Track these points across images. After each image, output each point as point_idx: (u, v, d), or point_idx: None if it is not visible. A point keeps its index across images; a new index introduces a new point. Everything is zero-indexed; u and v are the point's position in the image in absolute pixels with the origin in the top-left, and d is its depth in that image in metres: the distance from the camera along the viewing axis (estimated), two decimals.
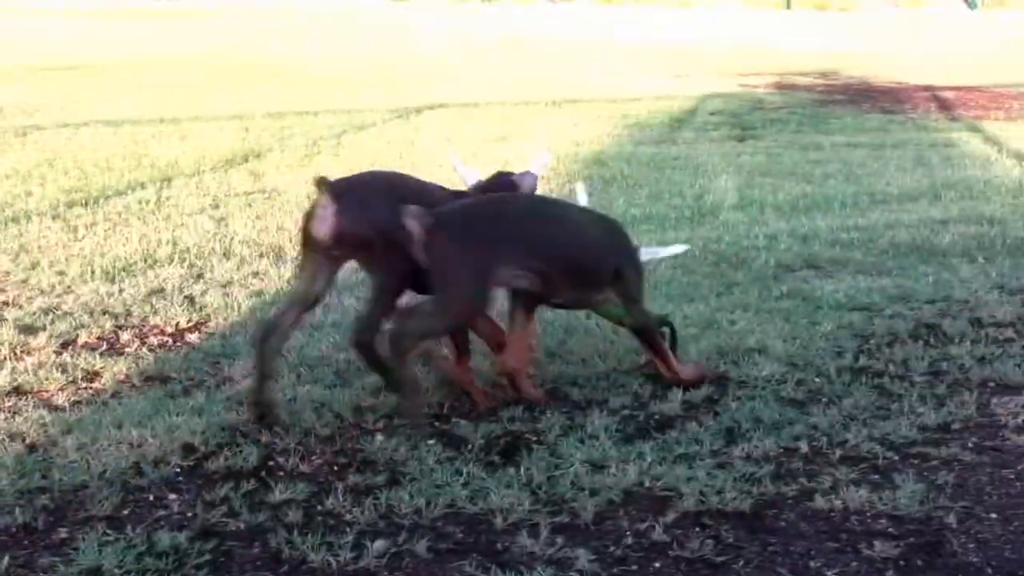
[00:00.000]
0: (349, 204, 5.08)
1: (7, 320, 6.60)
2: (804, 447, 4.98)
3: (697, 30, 38.48)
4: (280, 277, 7.54)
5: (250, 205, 9.98)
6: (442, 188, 5.72)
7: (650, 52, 28.77)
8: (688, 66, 24.91)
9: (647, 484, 4.61)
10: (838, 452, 4.94)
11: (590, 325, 6.48)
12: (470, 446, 4.96)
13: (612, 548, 4.15)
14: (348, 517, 4.33)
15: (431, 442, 4.99)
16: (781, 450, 4.96)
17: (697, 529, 4.29)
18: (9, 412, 5.28)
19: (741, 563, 4.07)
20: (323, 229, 5.07)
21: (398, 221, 4.93)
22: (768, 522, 4.36)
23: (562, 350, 6.13)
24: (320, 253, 5.17)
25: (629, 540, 4.20)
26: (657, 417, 5.31)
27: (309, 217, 5.15)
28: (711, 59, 26.95)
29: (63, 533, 4.21)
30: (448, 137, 7.00)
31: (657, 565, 4.06)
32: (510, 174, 5.97)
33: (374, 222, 5.07)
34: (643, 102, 18.20)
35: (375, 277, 5.33)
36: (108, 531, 4.19)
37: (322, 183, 5.08)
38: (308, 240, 5.16)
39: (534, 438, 5.05)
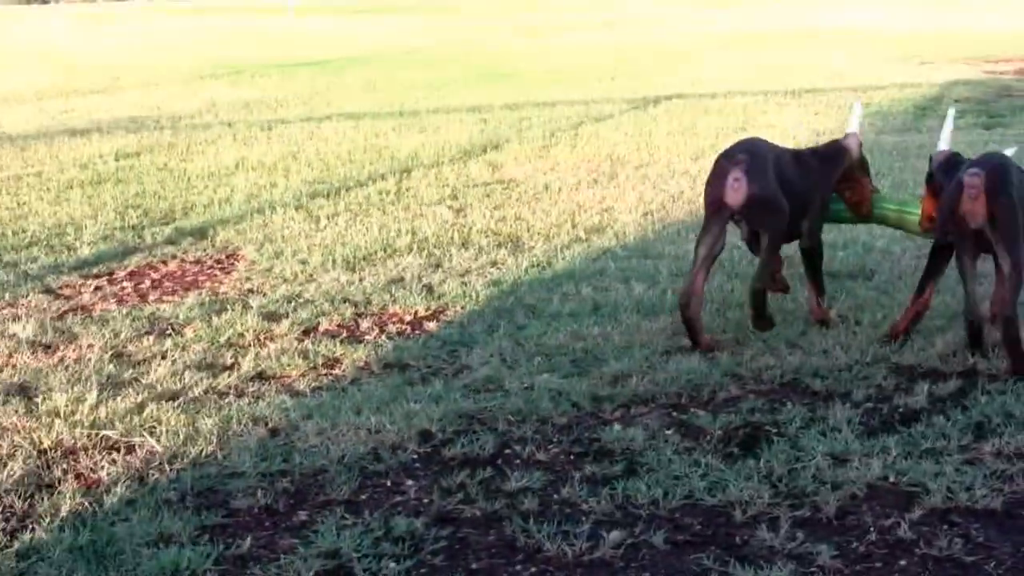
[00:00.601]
0: (756, 173, 5.81)
1: (252, 307, 6.75)
2: None
3: (939, 16, 37.37)
4: (518, 266, 7.55)
5: (488, 195, 10.03)
6: (793, 151, 6.51)
7: (890, 39, 28.06)
8: (931, 53, 24.20)
9: (892, 479, 4.46)
10: None
11: (831, 315, 6.31)
12: (709, 437, 4.86)
13: (855, 544, 4.01)
14: (584, 507, 4.28)
15: (669, 432, 4.91)
16: None
17: (945, 527, 4.11)
18: (253, 397, 5.38)
19: (993, 564, 3.89)
20: (738, 196, 5.78)
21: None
22: (1021, 522, 4.16)
23: (803, 341, 5.97)
24: (726, 218, 5.91)
25: (873, 536, 4.05)
26: (901, 410, 5.13)
27: (720, 186, 5.81)
28: (955, 45, 26.14)
29: (303, 516, 4.26)
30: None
31: (903, 563, 3.90)
32: (837, 141, 6.49)
33: (774, 187, 5.87)
34: (886, 90, 17.72)
35: (769, 234, 5.95)
36: (346, 515, 4.23)
37: (733, 157, 5.85)
38: (719, 206, 5.85)
39: (774, 430, 4.92)
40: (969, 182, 5.43)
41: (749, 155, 5.92)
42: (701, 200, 6.25)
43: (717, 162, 6.02)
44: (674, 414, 5.14)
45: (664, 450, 4.72)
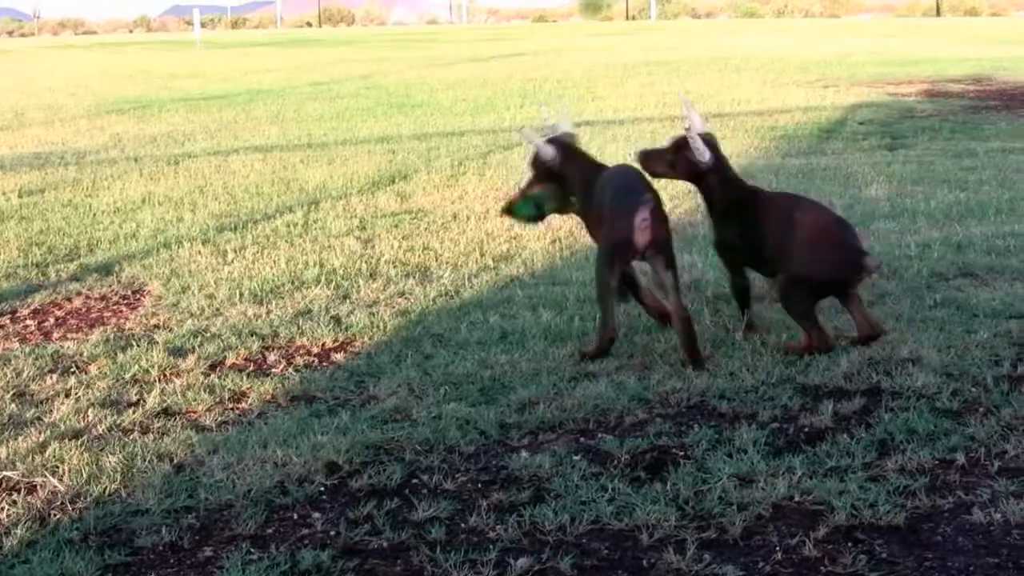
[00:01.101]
0: (658, 213, 6.06)
1: (158, 343, 6.69)
2: (961, 459, 4.82)
3: (843, 41, 37.92)
4: (425, 295, 7.54)
5: (396, 226, 10.02)
6: None
7: (793, 65, 28.44)
8: (834, 77, 24.56)
9: (797, 498, 4.50)
10: (996, 464, 4.78)
11: (735, 337, 6.37)
12: (616, 461, 4.88)
13: (761, 564, 4.04)
14: (491, 534, 4.28)
15: (576, 458, 4.93)
16: (936, 462, 4.81)
17: (850, 544, 4.16)
18: (158, 433, 5.33)
19: None
20: (644, 238, 5.95)
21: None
22: (924, 536, 4.22)
23: (709, 363, 6.02)
24: (633, 259, 6.10)
25: (779, 556, 4.09)
26: (807, 430, 5.18)
27: (629, 229, 5.96)
28: (858, 69, 26.54)
29: (208, 552, 4.22)
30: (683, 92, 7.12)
31: None
32: None
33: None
34: (790, 114, 17.96)
35: (668, 273, 6.02)
36: (252, 550, 4.20)
37: (648, 195, 6.07)
38: (628, 249, 6.02)
39: (681, 453, 4.96)
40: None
41: (651, 193, 6.13)
42: None
43: (620, 199, 6.15)
44: (582, 439, 5.16)
45: (571, 476, 4.73)
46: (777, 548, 4.14)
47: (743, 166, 12.57)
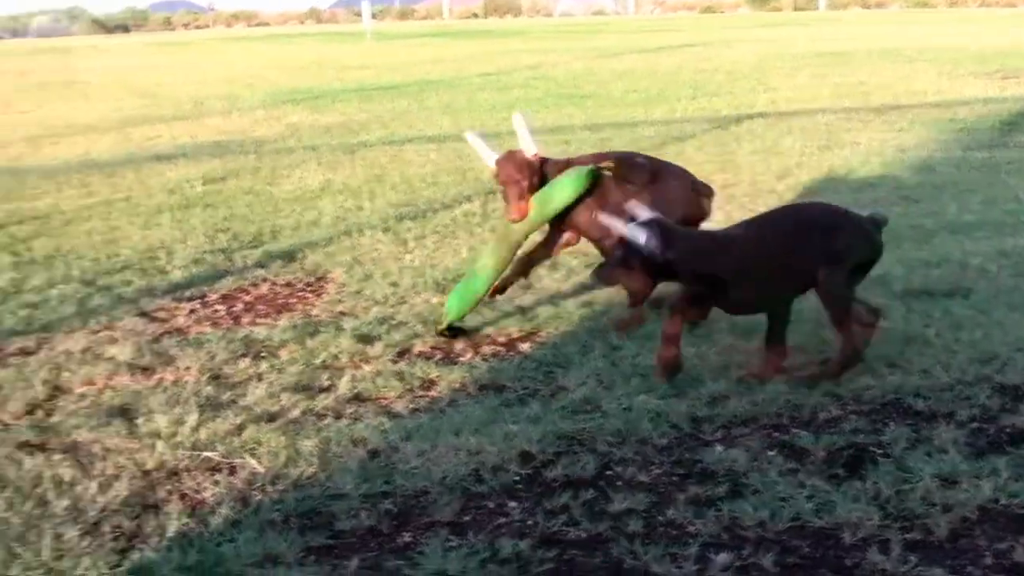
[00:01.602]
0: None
1: (345, 329, 6.77)
2: None
3: (1015, 32, 36.96)
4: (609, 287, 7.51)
5: None
6: None
7: (970, 55, 27.78)
8: (1015, 68, 23.93)
9: (1003, 501, 4.38)
10: None
11: (929, 335, 6.23)
12: (812, 458, 4.80)
13: (971, 568, 3.94)
14: (690, 528, 4.24)
15: (771, 453, 4.86)
16: None
17: None
18: (351, 418, 5.39)
19: None
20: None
21: None
22: None
23: (902, 361, 5.89)
24: None
25: (988, 560, 3.98)
26: (1009, 431, 5.04)
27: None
28: None
29: (407, 537, 4.25)
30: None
31: None
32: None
33: None
34: (970, 106, 17.52)
35: None
36: (451, 536, 4.22)
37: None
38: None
39: (879, 451, 4.86)
40: None
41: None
42: None
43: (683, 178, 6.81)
44: (775, 435, 5.08)
45: (768, 471, 4.67)
46: (986, 552, 4.03)
47: (922, 159, 12.38)
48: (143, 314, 7.44)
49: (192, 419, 5.35)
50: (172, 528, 4.30)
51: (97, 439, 5.25)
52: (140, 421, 5.41)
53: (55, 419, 5.58)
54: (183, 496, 4.62)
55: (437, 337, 6.61)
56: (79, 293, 7.99)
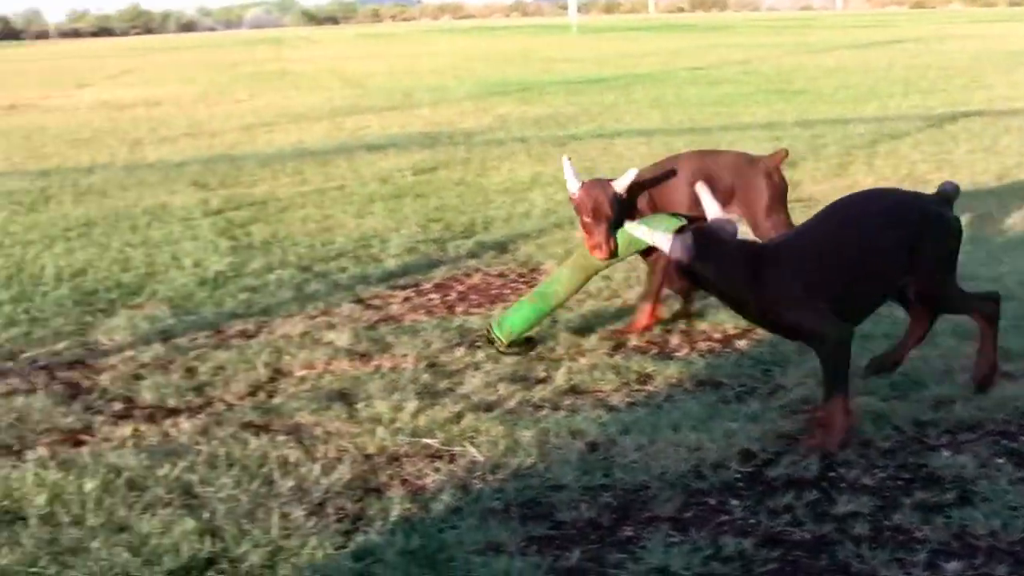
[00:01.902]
0: None
1: (559, 322, 6.78)
2: None
3: None
4: None
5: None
6: None
7: None
8: None
9: None
10: None
11: None
12: None
13: None
14: (918, 534, 4.13)
15: (1000, 461, 4.71)
16: None
17: None
18: (568, 410, 5.39)
19: None
20: None
21: None
22: None
23: None
24: None
25: None
26: None
27: None
28: None
29: (628, 531, 4.23)
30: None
31: None
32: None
33: None
34: None
35: None
36: (672, 532, 4.18)
37: None
38: None
39: None
40: None
41: None
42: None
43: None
44: (1003, 442, 4.92)
45: (998, 479, 4.52)
46: None
47: None
48: (359, 301, 7.55)
49: (411, 406, 5.41)
50: (395, 512, 4.35)
51: (318, 422, 5.34)
52: (360, 406, 5.49)
53: (277, 401, 5.70)
54: (404, 481, 4.68)
55: (652, 332, 6.57)
56: (296, 279, 8.16)
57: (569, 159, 6.56)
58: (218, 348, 6.58)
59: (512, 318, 6.28)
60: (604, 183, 6.37)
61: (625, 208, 6.35)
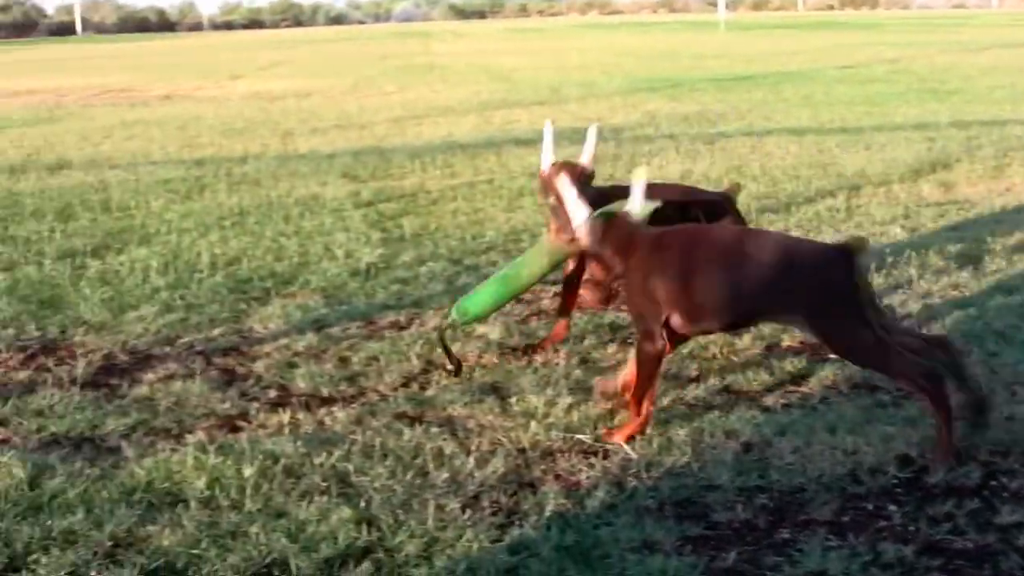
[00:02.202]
0: None
1: None
2: None
3: None
4: (981, 289, 7.26)
5: (942, 216, 9.71)
6: None
7: None
8: None
9: None
10: None
11: None
12: None
13: None
14: None
15: None
16: None
17: None
18: (721, 410, 5.35)
19: None
20: None
21: None
22: None
23: None
24: None
25: None
26: None
27: None
28: None
29: (785, 533, 4.19)
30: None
31: None
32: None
33: None
34: None
35: None
36: (830, 536, 4.13)
37: None
38: None
39: None
40: None
41: None
42: None
43: None
44: None
45: None
46: None
47: None
48: None
49: (564, 401, 5.41)
50: (549, 507, 4.35)
51: (471, 415, 5.37)
52: (513, 400, 5.51)
53: (429, 392, 5.74)
54: (558, 476, 4.68)
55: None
56: (447, 271, 8.20)
57: (552, 124, 6.27)
58: (370, 339, 6.65)
59: (472, 299, 6.06)
60: (575, 165, 6.01)
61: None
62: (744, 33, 49.98)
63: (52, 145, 16.68)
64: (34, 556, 4.09)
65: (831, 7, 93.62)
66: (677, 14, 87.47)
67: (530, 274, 5.99)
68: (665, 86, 23.32)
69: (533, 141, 15.14)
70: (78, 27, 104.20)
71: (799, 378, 5.80)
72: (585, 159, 6.05)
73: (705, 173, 12.06)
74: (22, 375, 6.17)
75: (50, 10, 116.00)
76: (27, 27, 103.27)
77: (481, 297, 6.02)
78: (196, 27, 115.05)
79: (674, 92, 22.09)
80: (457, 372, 5.93)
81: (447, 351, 5.96)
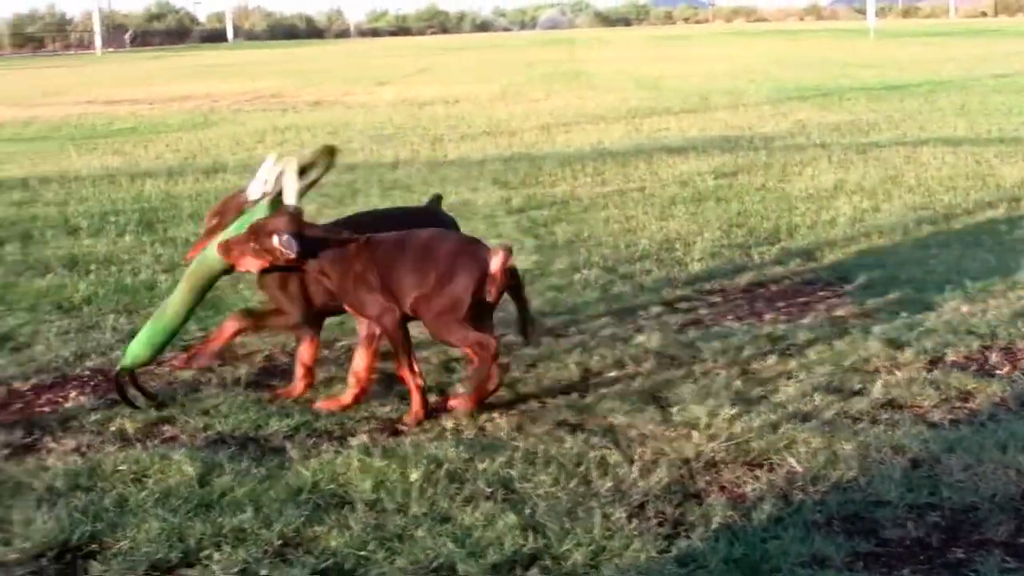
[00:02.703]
0: None
1: (872, 333, 6.64)
2: None
3: None
4: None
5: None
6: None
7: None
8: None
9: None
10: None
11: None
12: None
13: None
14: None
15: None
16: None
17: None
18: (887, 424, 5.26)
19: None
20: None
21: None
22: None
23: None
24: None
25: None
26: None
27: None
28: None
29: (959, 553, 4.11)
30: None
31: None
32: None
33: None
34: None
35: None
36: (1007, 558, 4.04)
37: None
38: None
39: None
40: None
41: None
42: None
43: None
44: None
45: None
46: None
47: None
48: (665, 303, 7.54)
49: (726, 412, 5.37)
50: (716, 519, 4.32)
51: (632, 424, 5.35)
52: (674, 410, 5.48)
53: (589, 400, 5.73)
54: (723, 488, 4.64)
55: (969, 347, 6.37)
56: (601, 279, 8.19)
57: (275, 158, 6.05)
58: (527, 345, 6.64)
59: (133, 345, 5.90)
60: (240, 196, 6.01)
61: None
62: (894, 40, 49.23)
63: (207, 149, 17.03)
64: (207, 552, 4.17)
65: (984, 14, 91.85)
66: (825, 22, 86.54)
67: (176, 307, 5.88)
68: (815, 95, 23.07)
69: (684, 149, 15.14)
70: (229, 34, 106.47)
71: (966, 394, 5.68)
72: (289, 200, 5.81)
73: (859, 183, 11.90)
74: (187, 375, 6.29)
75: (202, 17, 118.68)
76: (181, 34, 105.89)
77: (140, 339, 5.89)
78: (343, 34, 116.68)
79: (824, 101, 21.83)
80: (151, 400, 5.88)
81: (123, 396, 5.80)
